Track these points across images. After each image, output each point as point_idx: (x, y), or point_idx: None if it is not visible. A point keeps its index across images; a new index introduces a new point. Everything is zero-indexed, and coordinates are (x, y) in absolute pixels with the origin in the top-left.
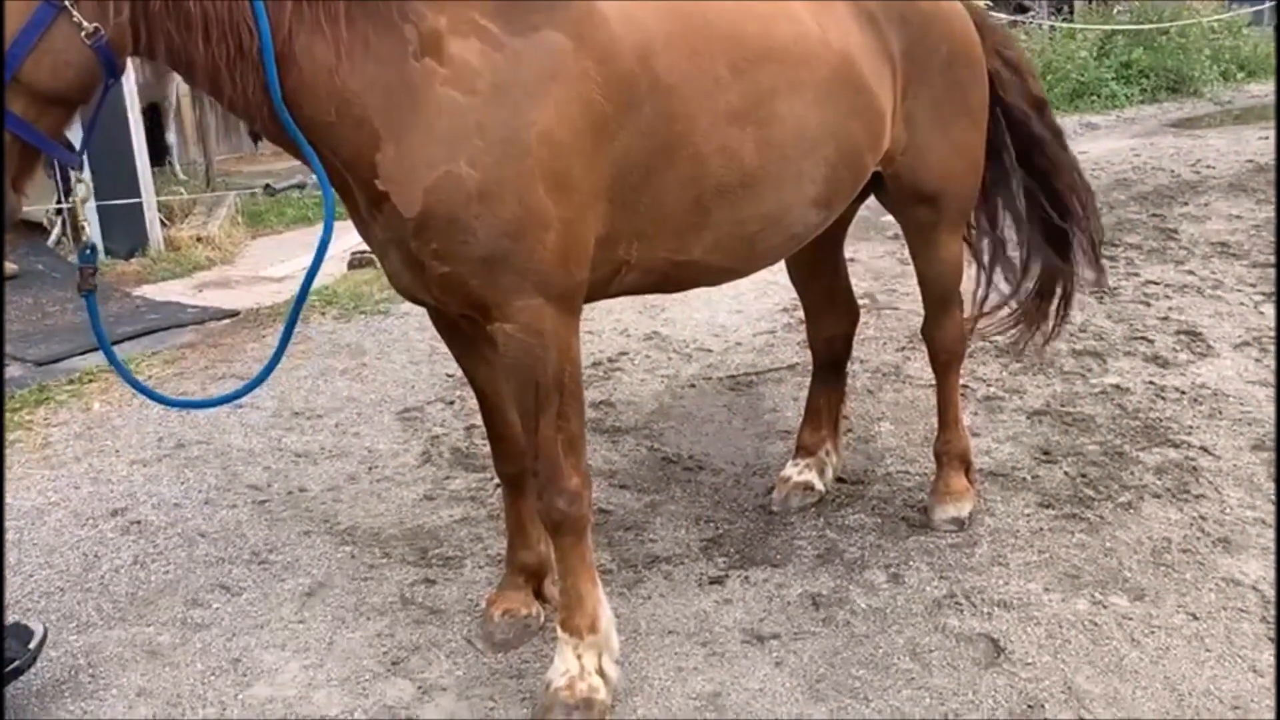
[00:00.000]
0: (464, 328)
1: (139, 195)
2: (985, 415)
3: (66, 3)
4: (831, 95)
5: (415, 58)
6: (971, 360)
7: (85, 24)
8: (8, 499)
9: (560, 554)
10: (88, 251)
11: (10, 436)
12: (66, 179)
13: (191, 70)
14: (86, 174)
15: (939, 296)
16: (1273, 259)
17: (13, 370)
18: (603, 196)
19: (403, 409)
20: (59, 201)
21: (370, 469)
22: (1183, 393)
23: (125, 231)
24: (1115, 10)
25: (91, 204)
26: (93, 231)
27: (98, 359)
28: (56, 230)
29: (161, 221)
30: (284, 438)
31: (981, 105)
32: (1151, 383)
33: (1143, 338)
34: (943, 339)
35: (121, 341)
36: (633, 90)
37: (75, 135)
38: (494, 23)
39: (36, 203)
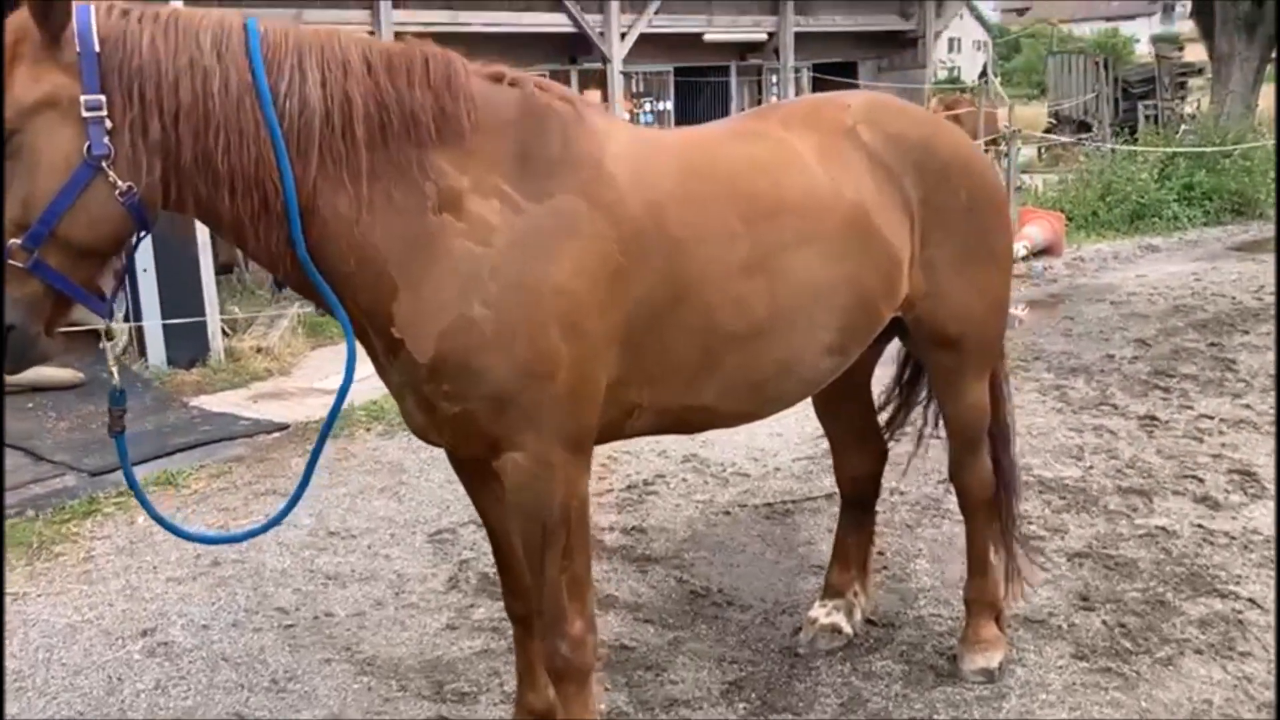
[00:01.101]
0: (477, 465)
1: (204, 306)
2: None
3: (104, 163)
4: (844, 245)
5: (434, 212)
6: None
7: (119, 183)
8: (45, 614)
9: (563, 700)
10: (117, 394)
11: (56, 549)
12: (135, 293)
13: (219, 223)
14: (118, 321)
15: (966, 439)
16: None
17: (67, 479)
18: (615, 342)
19: (436, 530)
20: (126, 315)
21: (397, 593)
22: (1233, 538)
23: (188, 341)
24: (1178, 132)
25: (116, 343)
26: (151, 358)
27: (149, 470)
28: (122, 340)
29: (224, 331)
30: (317, 558)
31: (1006, 249)
32: (1200, 525)
33: (1193, 476)
34: (970, 482)
35: (174, 453)
36: (644, 243)
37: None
38: (514, 187)
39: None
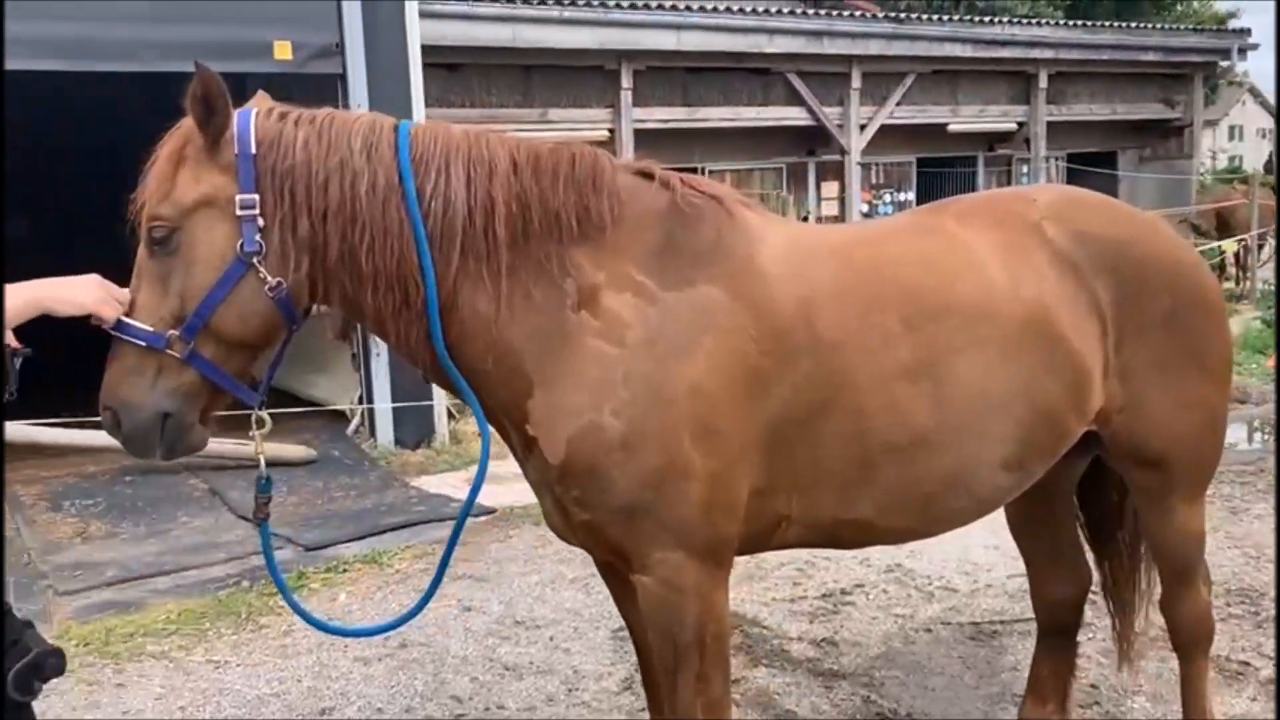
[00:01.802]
0: (617, 569)
1: (431, 390)
2: (1265, 701)
3: (255, 259)
4: (1021, 351)
5: (573, 310)
6: (1259, 631)
7: (269, 278)
8: (239, 685)
9: None
10: (263, 483)
11: (261, 620)
12: (368, 375)
13: (362, 317)
14: (352, 402)
15: (1176, 570)
16: None
17: (285, 553)
18: (757, 448)
19: (619, 626)
20: (361, 397)
21: (570, 690)
22: None
23: (415, 423)
24: None
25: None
26: (380, 438)
27: (359, 548)
28: (355, 421)
29: (450, 414)
30: (499, 647)
31: (1220, 358)
32: None
33: None
34: (1182, 619)
35: (384, 532)
36: (791, 344)
37: None
38: (650, 278)
39: (340, 395)
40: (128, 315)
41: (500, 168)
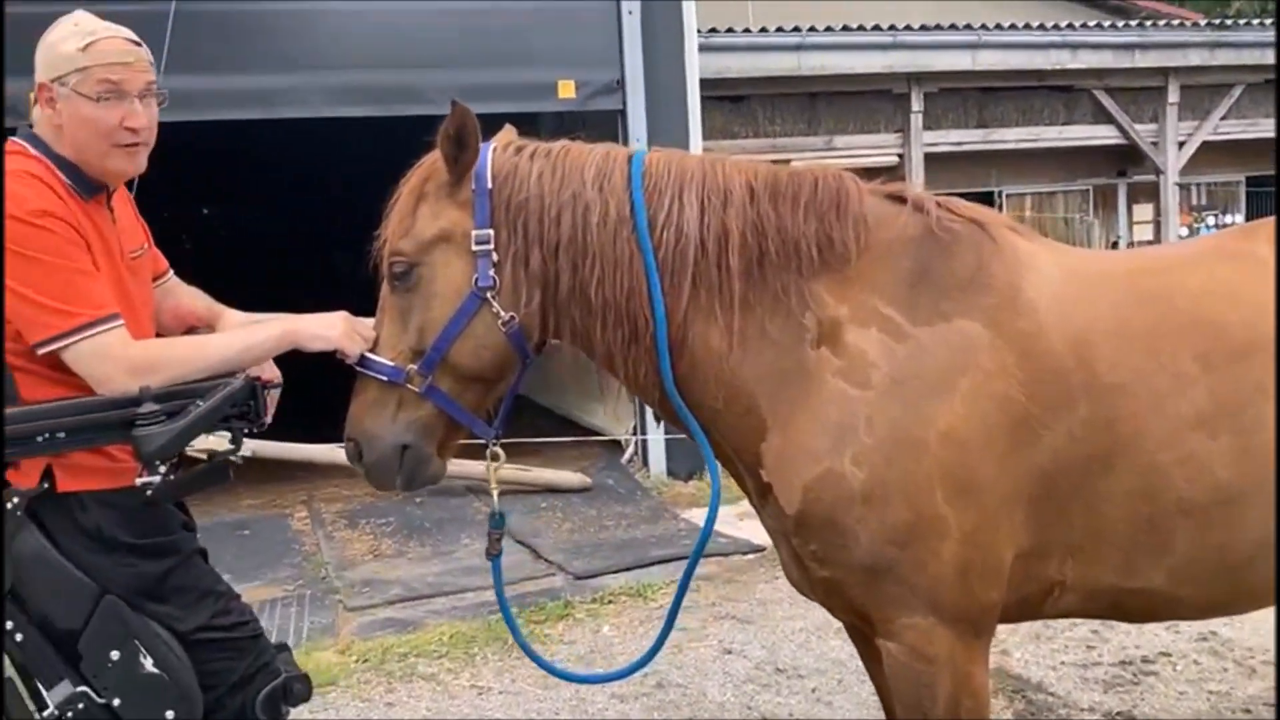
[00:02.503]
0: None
1: None
2: None
3: (489, 294)
4: None
5: (812, 346)
6: None
7: (502, 313)
8: (499, 713)
9: None
10: (496, 518)
11: None
12: (643, 405)
13: (591, 352)
14: (626, 433)
15: None
16: None
17: (555, 580)
18: (1021, 504)
19: None
20: (635, 427)
21: None
22: None
23: (688, 455)
24: None
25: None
26: (652, 468)
27: (626, 579)
28: (629, 450)
29: None
30: (757, 695)
31: None
32: None
33: None
34: None
35: (651, 564)
36: (1063, 387)
37: None
38: (899, 311)
39: (616, 425)
40: (371, 350)
41: (736, 195)
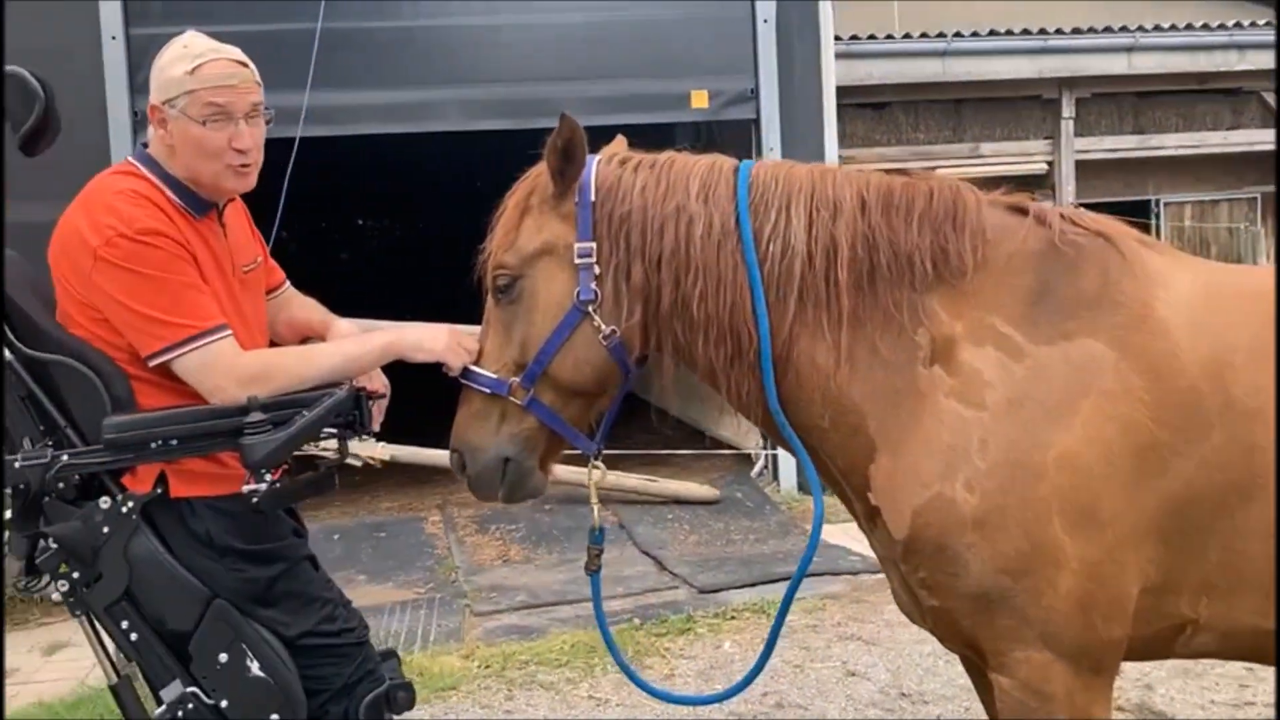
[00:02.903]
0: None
1: None
2: None
3: (590, 308)
4: None
5: (924, 365)
6: None
7: (603, 327)
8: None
9: None
10: (596, 534)
11: (646, 660)
12: None
13: (693, 367)
14: (756, 447)
15: None
16: None
17: (679, 593)
18: (1150, 536)
19: None
20: (765, 442)
21: None
22: None
23: None
24: None
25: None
26: (783, 483)
27: (750, 595)
28: (759, 464)
29: None
30: None
31: None
32: None
33: None
34: None
35: (776, 581)
36: (1196, 412)
37: None
38: (1018, 329)
39: (745, 437)
40: (476, 363)
41: (846, 206)
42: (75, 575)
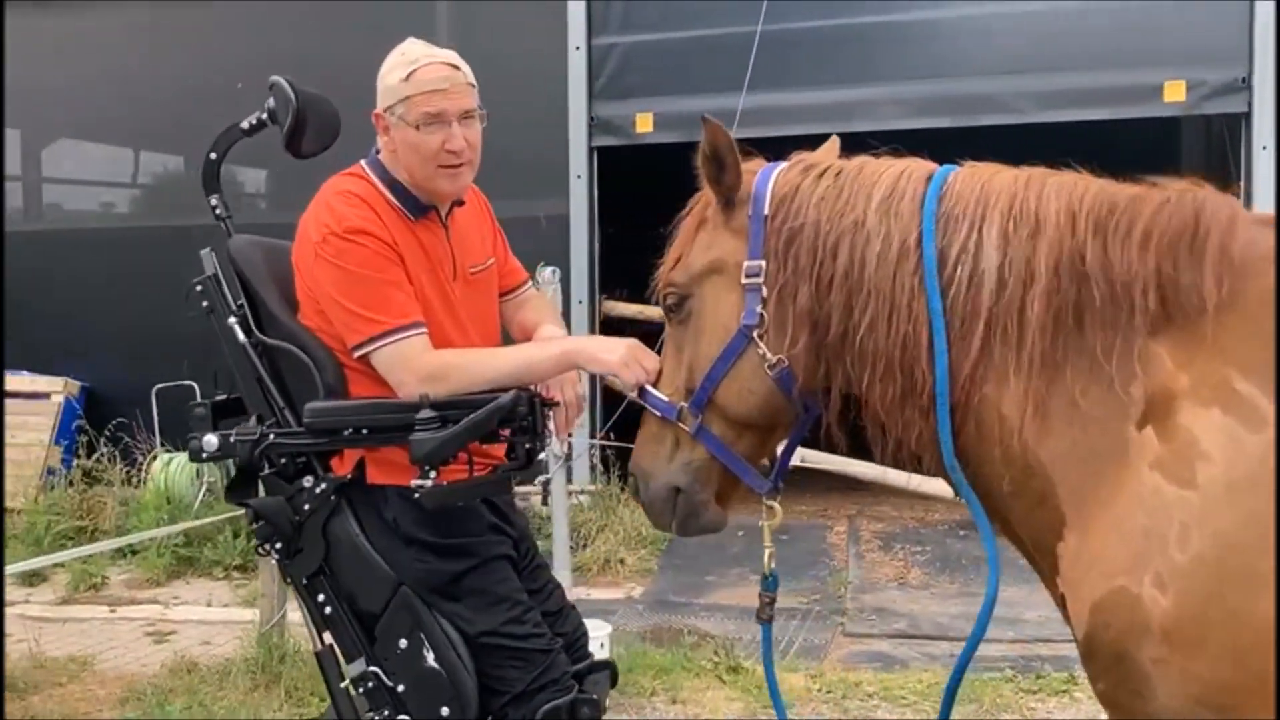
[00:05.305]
0: None
1: None
2: None
3: (754, 333)
4: None
5: (1135, 425)
6: None
7: (769, 355)
8: None
9: None
10: (769, 579)
11: (1004, 717)
12: None
13: (862, 405)
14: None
15: None
16: None
17: (1069, 646)
18: None
19: None
20: None
21: None
22: None
23: None
24: None
25: None
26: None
27: None
28: None
29: None
30: None
31: None
32: None
33: None
34: None
35: None
36: None
37: None
38: (1262, 389)
39: None
40: (655, 384)
41: (1049, 223)
42: (278, 546)
